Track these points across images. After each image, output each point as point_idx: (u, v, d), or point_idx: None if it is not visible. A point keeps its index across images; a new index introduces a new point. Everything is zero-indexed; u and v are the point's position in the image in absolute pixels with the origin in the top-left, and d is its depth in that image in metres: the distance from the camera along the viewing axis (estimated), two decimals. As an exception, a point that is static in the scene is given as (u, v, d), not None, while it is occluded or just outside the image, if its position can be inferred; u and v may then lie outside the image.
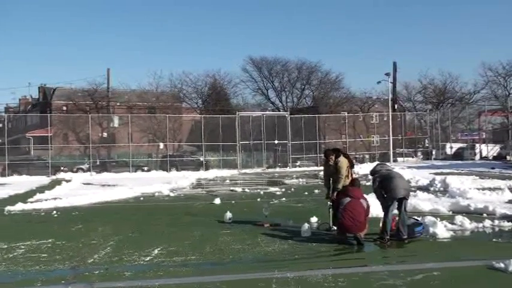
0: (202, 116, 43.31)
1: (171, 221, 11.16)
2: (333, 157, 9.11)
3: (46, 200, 15.75)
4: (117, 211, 13.49)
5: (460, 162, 34.01)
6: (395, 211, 8.24)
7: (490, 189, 14.88)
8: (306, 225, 8.99)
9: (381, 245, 7.93)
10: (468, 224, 9.32)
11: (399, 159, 40.88)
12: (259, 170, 36.81)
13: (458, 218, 9.56)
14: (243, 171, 34.98)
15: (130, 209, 14.09)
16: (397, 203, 8.15)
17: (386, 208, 8.17)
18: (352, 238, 7.94)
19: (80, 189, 20.34)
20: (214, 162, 39.23)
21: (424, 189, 15.97)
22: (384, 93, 51.60)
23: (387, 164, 8.98)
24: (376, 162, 13.97)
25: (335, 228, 8.56)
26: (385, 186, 8.18)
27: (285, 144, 39.08)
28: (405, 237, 8.12)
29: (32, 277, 6.37)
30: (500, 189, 14.51)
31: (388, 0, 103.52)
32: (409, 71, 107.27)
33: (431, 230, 8.58)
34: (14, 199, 16.03)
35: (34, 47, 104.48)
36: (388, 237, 8.04)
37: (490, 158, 38.32)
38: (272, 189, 19.05)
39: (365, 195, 8.42)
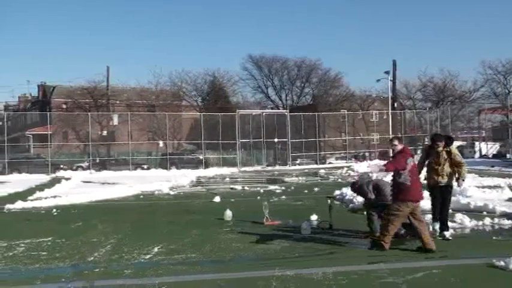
0: (202, 114, 43.28)
1: (171, 219, 11.15)
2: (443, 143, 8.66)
3: (46, 198, 15.74)
4: (117, 209, 13.48)
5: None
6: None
7: (489, 187, 14.84)
8: (306, 223, 8.99)
9: (375, 241, 7.95)
10: (468, 222, 9.32)
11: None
12: (259, 168, 36.82)
13: (458, 216, 9.57)
14: (243, 169, 34.98)
15: (130, 207, 14.09)
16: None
17: (374, 209, 8.19)
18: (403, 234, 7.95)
19: (79, 188, 20.34)
20: (214, 160, 39.20)
21: (424, 187, 15.92)
22: (383, 92, 51.66)
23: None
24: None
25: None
26: (376, 192, 8.20)
27: (284, 142, 39.08)
28: (402, 232, 8.10)
29: (32, 275, 6.36)
30: (500, 187, 14.49)
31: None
32: (409, 69, 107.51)
33: (431, 228, 8.58)
34: (13, 197, 16.00)
35: (33, 45, 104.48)
36: (377, 234, 8.08)
37: (490, 156, 38.36)
38: (272, 187, 19.04)
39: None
